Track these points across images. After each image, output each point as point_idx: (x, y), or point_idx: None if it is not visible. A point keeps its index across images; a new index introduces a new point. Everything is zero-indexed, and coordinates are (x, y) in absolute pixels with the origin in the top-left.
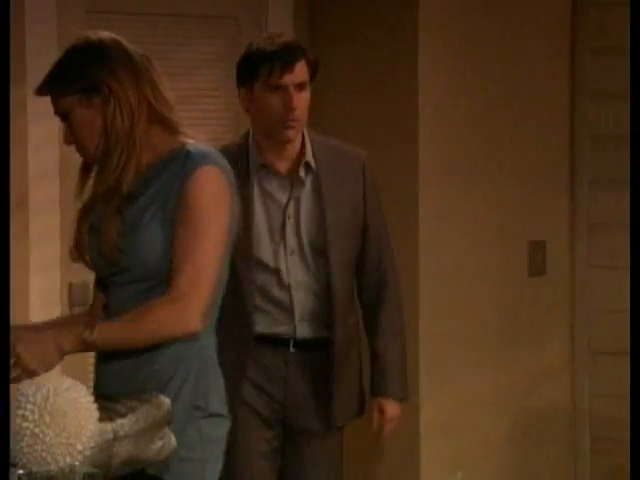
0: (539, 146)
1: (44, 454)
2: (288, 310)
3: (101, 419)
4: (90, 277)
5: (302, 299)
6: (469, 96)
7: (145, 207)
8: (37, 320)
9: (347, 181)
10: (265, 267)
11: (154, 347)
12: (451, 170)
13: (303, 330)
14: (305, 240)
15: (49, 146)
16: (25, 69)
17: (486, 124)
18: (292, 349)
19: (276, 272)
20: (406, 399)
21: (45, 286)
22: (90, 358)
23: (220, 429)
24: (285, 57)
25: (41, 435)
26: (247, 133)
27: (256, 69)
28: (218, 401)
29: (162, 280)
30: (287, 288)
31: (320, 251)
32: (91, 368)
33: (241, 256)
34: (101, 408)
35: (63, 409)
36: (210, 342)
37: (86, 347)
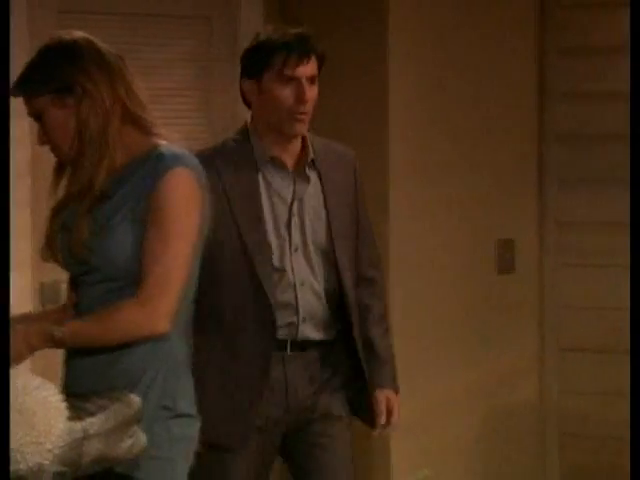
0: (508, 145)
1: (13, 453)
2: (292, 310)
3: (71, 418)
4: (62, 276)
5: (306, 299)
6: (439, 96)
7: (117, 207)
8: None
9: (343, 180)
10: (273, 266)
11: (124, 346)
12: (421, 170)
13: (305, 331)
14: (309, 238)
15: (20, 145)
16: None
17: (455, 124)
18: (289, 351)
19: (281, 270)
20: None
21: (16, 285)
22: (59, 356)
23: (189, 429)
24: (301, 48)
25: (10, 434)
26: (244, 129)
27: (268, 59)
28: (186, 401)
29: (132, 280)
30: (292, 287)
31: (323, 250)
32: (60, 367)
33: (258, 257)
34: (71, 407)
35: (32, 408)
36: (180, 343)
37: (54, 344)
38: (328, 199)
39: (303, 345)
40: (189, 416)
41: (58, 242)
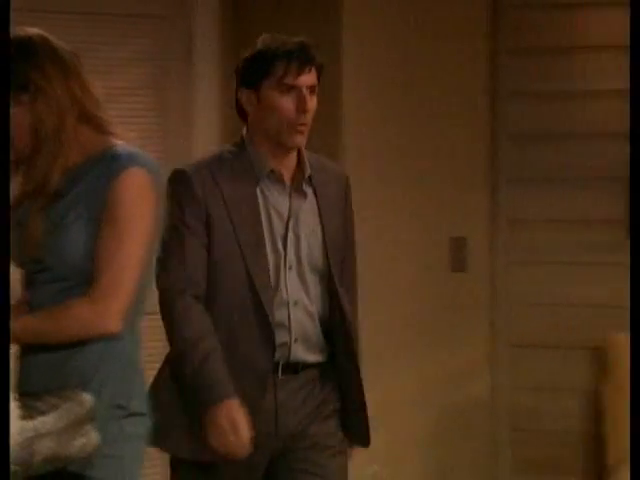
0: (460, 144)
1: None
2: (284, 330)
3: (22, 417)
4: (14, 274)
5: (299, 319)
6: (391, 95)
7: (71, 206)
8: None
9: (336, 198)
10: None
11: (77, 344)
12: (373, 169)
13: (297, 352)
14: (304, 257)
15: None
16: None
17: (408, 123)
18: (281, 375)
19: (275, 289)
20: None
21: None
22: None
23: (141, 427)
24: (302, 56)
25: None
26: (240, 141)
27: (268, 68)
28: (139, 400)
29: (85, 279)
30: (286, 305)
31: (317, 270)
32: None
33: (259, 277)
34: (22, 406)
35: None
36: (132, 342)
37: None
38: (324, 217)
39: (295, 368)
40: (142, 415)
41: (12, 240)
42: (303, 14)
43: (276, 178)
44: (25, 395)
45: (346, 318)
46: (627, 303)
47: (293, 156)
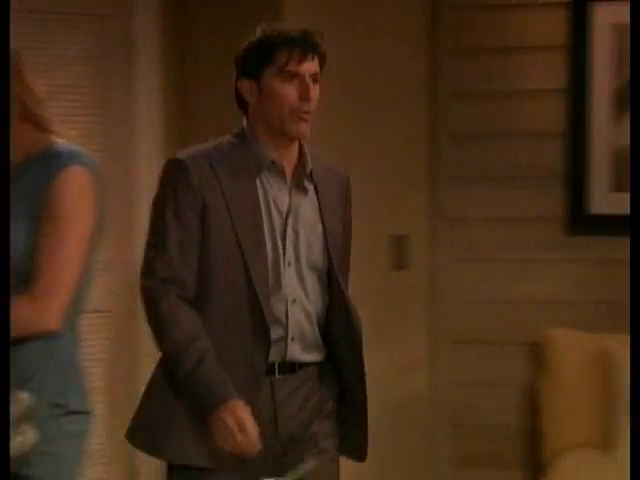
0: (400, 143)
1: None
2: (282, 327)
3: None
4: None
5: (297, 317)
6: (331, 93)
7: (11, 204)
8: None
9: (337, 198)
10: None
11: (16, 342)
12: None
13: (294, 352)
14: (302, 254)
15: None
16: None
17: (348, 121)
18: (278, 374)
19: (275, 285)
20: None
21: None
22: None
23: (80, 425)
24: (305, 43)
25: None
26: (241, 132)
27: (270, 55)
28: (78, 398)
29: (25, 278)
30: (284, 303)
31: (316, 268)
32: None
33: (257, 272)
34: None
35: None
36: (72, 341)
37: None
38: (325, 215)
39: (292, 367)
40: (82, 413)
41: None
42: (244, 13)
43: (277, 170)
44: None
45: (352, 317)
46: (564, 299)
47: (294, 149)
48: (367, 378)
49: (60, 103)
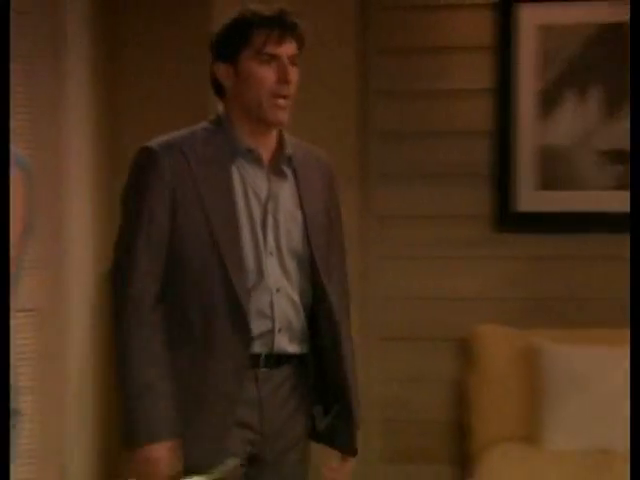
0: (331, 141)
1: None
2: (267, 319)
3: None
4: None
5: (282, 307)
6: None
7: None
8: None
9: (318, 184)
10: (247, 270)
11: None
12: None
13: (281, 343)
14: (284, 241)
15: None
16: None
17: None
18: (263, 367)
19: (257, 275)
20: None
21: None
22: None
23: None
24: (283, 24)
25: None
26: (217, 118)
27: (247, 37)
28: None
29: None
30: (268, 293)
31: (297, 256)
32: None
33: (231, 259)
34: None
35: None
36: None
37: None
38: (304, 200)
39: (278, 360)
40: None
41: None
42: (173, 10)
43: (253, 157)
44: None
45: (331, 307)
46: (493, 295)
47: (273, 136)
48: None
49: None
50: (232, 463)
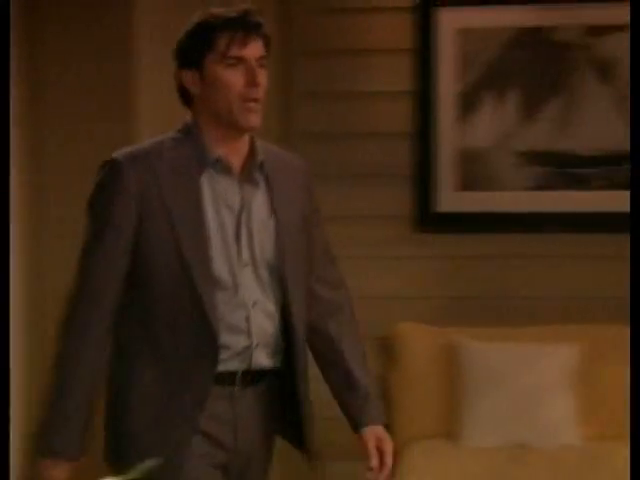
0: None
1: None
2: (244, 334)
3: None
4: None
5: (259, 321)
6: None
7: None
8: None
9: (293, 190)
10: (220, 284)
11: None
12: None
13: (259, 359)
14: (258, 252)
15: None
16: None
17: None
18: (238, 385)
19: (232, 289)
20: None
21: None
22: None
23: None
24: (247, 25)
25: None
26: (185, 126)
27: (210, 41)
28: None
29: None
30: (244, 307)
31: (272, 267)
32: None
33: (199, 273)
34: None
35: None
36: None
37: None
38: (277, 209)
39: (254, 376)
40: None
41: None
42: (95, 9)
43: (223, 167)
44: None
45: (291, 320)
46: (413, 294)
47: (244, 143)
48: None
49: None
50: (150, 463)
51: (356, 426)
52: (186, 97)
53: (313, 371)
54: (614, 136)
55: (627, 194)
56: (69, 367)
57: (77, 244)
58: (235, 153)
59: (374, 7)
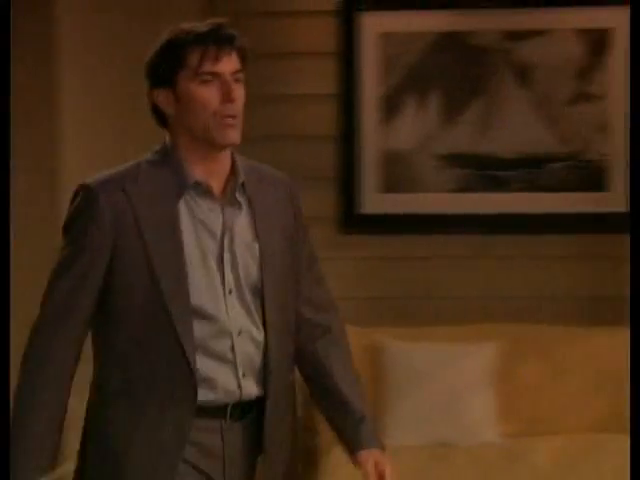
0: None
1: None
2: (230, 365)
3: None
4: None
5: (245, 350)
6: (110, 95)
7: None
8: None
9: (277, 209)
10: (202, 313)
11: None
12: (92, 166)
13: (247, 388)
14: (242, 276)
15: None
16: None
17: (119, 123)
18: (228, 418)
19: (215, 318)
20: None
21: None
22: None
23: None
24: (220, 38)
25: None
26: (163, 149)
27: (181, 58)
28: None
29: None
30: (229, 336)
31: (255, 290)
32: None
33: (176, 304)
34: None
35: None
36: None
37: None
38: (259, 230)
39: (244, 408)
40: None
41: None
42: (16, 11)
43: (203, 190)
44: None
45: (268, 347)
46: (338, 295)
47: (225, 162)
48: None
49: None
50: (67, 467)
51: (352, 449)
52: (161, 118)
53: None
54: (533, 139)
55: (546, 196)
56: (28, 400)
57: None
58: (215, 174)
59: (298, 11)
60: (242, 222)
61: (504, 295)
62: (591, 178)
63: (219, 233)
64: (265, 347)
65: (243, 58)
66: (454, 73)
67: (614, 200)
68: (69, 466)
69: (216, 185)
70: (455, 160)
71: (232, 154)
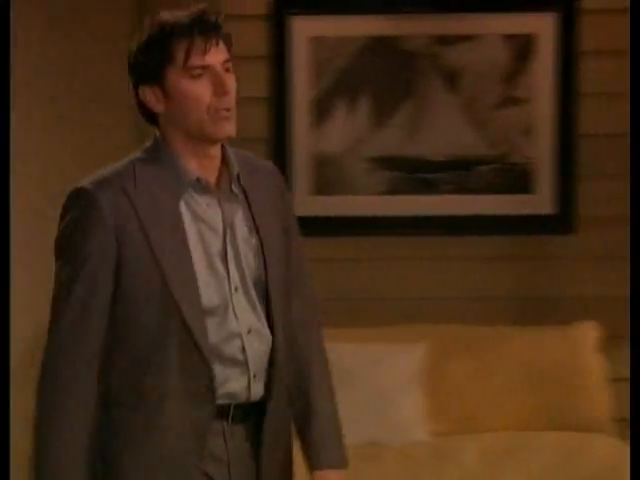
0: (107, 154)
1: None
2: (241, 366)
3: None
4: None
5: (255, 349)
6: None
7: None
8: None
9: (269, 200)
10: (210, 312)
11: None
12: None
13: (257, 389)
14: (247, 272)
15: None
16: None
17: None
18: (231, 419)
19: (223, 316)
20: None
21: None
22: None
23: None
24: (207, 27)
25: None
26: (154, 146)
27: (167, 52)
28: None
29: None
30: (238, 336)
31: (258, 284)
32: None
33: (188, 304)
34: None
35: None
36: None
37: None
38: (258, 223)
39: (249, 409)
40: None
41: None
42: None
43: (202, 187)
44: None
45: (275, 344)
46: None
47: (217, 155)
48: None
49: None
50: None
51: (309, 467)
52: (149, 115)
53: None
54: (461, 142)
55: (474, 198)
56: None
57: None
58: (209, 168)
59: (229, 14)
60: (240, 216)
61: (434, 296)
62: (517, 181)
63: (220, 229)
64: (272, 344)
65: (229, 46)
66: (384, 77)
67: (539, 202)
68: None
69: (211, 179)
70: (385, 163)
71: (222, 145)
